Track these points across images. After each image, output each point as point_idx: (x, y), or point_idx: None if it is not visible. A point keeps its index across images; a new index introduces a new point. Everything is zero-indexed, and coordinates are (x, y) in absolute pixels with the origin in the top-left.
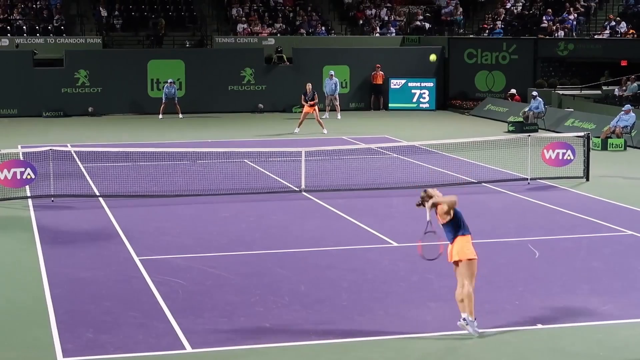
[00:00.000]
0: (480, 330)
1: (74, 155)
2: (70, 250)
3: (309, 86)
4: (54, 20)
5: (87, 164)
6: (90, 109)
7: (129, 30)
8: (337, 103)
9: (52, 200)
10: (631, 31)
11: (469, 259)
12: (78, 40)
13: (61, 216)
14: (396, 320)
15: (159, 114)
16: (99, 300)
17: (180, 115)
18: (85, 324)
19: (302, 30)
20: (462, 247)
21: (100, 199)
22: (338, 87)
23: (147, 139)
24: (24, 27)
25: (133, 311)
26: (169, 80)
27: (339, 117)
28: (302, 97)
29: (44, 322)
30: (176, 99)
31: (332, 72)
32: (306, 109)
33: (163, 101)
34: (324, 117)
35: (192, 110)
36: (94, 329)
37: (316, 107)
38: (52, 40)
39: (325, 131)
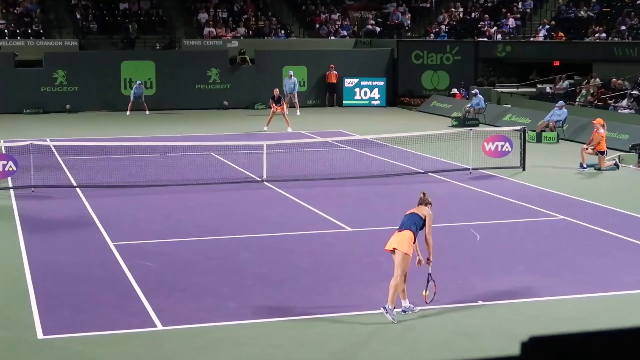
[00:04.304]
0: (428, 307)
1: (53, 149)
2: (49, 237)
3: (276, 91)
4: (34, 25)
5: (65, 157)
6: (67, 106)
7: (103, 34)
8: (296, 100)
9: (33, 191)
10: (560, 34)
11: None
12: (56, 43)
13: (41, 205)
14: (350, 299)
15: (127, 110)
16: (77, 282)
17: (147, 112)
18: (64, 305)
19: (264, 34)
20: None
21: (78, 189)
22: (297, 86)
23: (120, 134)
24: (6, 31)
25: (109, 292)
26: (138, 82)
27: (298, 113)
28: (271, 101)
29: (26, 303)
30: (142, 97)
31: (292, 72)
32: (277, 109)
33: (131, 99)
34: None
35: (163, 107)
36: (73, 309)
37: (284, 107)
38: (32, 43)
39: (289, 129)
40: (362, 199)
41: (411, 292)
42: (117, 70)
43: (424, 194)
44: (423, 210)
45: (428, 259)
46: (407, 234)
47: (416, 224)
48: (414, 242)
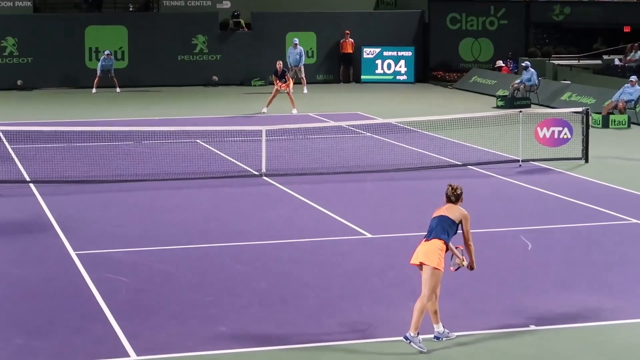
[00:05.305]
0: (467, 333)
1: (1, 136)
2: None
3: (279, 64)
4: None
5: (16, 145)
6: (19, 82)
7: None
8: (303, 75)
9: None
10: None
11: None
12: (5, 4)
13: None
14: (369, 322)
15: (92, 87)
16: (30, 300)
17: (118, 90)
18: (14, 328)
19: None
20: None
21: (31, 184)
22: (303, 57)
23: (84, 117)
24: None
25: (69, 313)
26: (107, 52)
27: (305, 91)
28: (273, 76)
29: None
30: (112, 71)
31: (297, 41)
32: (282, 86)
33: (98, 74)
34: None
35: (137, 83)
36: (25, 334)
37: (290, 84)
38: None
39: (295, 111)
40: (385, 198)
41: (445, 313)
42: (81, 38)
43: (451, 187)
44: (455, 212)
45: (471, 266)
46: (437, 243)
47: (447, 231)
48: (446, 252)
